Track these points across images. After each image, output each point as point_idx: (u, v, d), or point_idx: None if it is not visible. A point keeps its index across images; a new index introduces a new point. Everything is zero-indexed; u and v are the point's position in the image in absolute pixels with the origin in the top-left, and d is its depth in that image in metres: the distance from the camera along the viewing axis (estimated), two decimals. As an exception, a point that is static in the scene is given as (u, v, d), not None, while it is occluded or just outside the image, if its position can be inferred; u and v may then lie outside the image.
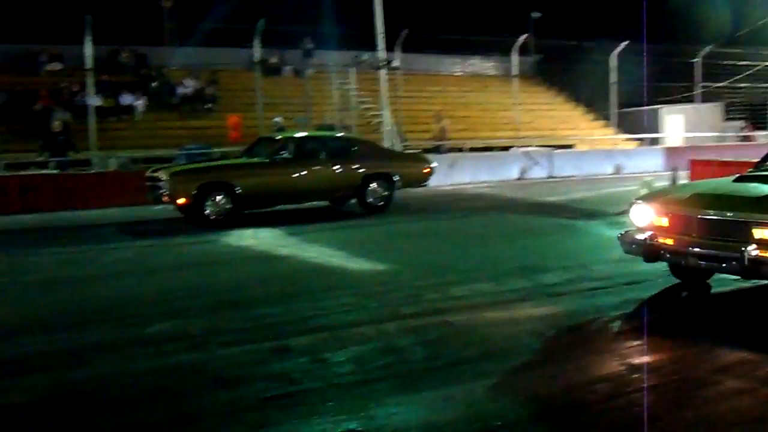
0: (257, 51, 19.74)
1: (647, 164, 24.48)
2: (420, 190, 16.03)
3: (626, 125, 30.41)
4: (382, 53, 21.60)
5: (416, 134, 25.90)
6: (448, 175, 21.06)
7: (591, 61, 29.49)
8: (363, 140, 15.79)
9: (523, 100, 28.55)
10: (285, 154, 13.59)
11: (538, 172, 23.18)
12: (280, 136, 14.16)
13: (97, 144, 20.84)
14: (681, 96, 31.75)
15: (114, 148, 21.54)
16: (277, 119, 20.57)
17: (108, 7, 32.78)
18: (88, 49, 18.10)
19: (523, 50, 29.22)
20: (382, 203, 14.32)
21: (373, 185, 14.19)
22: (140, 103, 24.96)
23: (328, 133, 15.30)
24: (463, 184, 21.24)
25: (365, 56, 22.67)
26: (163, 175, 12.72)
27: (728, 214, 5.78)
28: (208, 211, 12.59)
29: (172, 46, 29.43)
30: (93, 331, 6.15)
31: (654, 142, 29.42)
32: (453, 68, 33.37)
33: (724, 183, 6.61)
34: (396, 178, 14.36)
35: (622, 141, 29.35)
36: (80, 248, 10.98)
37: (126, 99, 24.77)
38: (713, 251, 5.77)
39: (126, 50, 27.46)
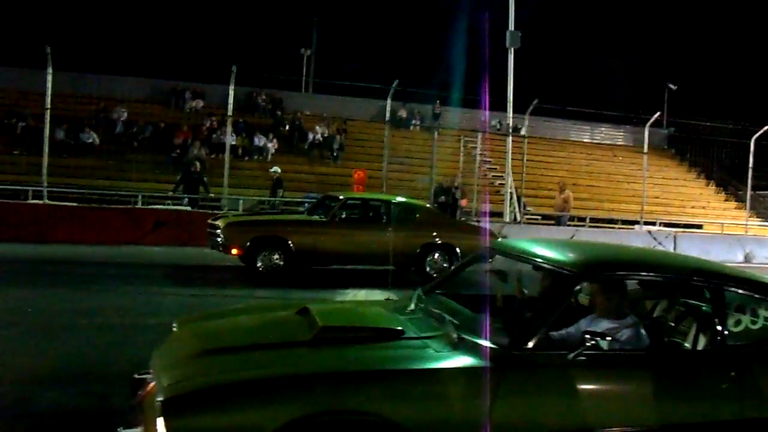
0: (389, 108, 20.00)
1: (781, 255, 23.08)
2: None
3: (761, 209, 28.91)
4: (510, 119, 21.52)
5: (538, 201, 25.54)
6: (565, 248, 20.46)
7: (726, 140, 28.35)
8: (427, 208, 15.14)
9: (653, 174, 27.73)
10: (344, 215, 13.27)
11: (661, 253, 22.21)
12: (342, 196, 13.67)
13: (229, 181, 21.60)
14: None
15: (245, 186, 22.31)
16: (275, 169, 20.46)
17: (250, 50, 34.55)
18: (231, 96, 18.80)
19: (656, 121, 28.48)
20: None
21: (434, 255, 13.53)
22: (272, 145, 25.78)
23: (390, 197, 14.66)
24: (582, 258, 20.59)
25: (494, 121, 22.65)
26: (221, 223, 12.71)
27: None
28: (259, 264, 12.40)
29: (308, 92, 30.42)
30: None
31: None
32: (581, 135, 32.93)
33: None
34: (458, 250, 13.59)
35: (756, 227, 27.88)
36: (204, 291, 11.20)
37: (260, 140, 25.64)
38: None
39: (264, 93, 28.51)
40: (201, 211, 17.43)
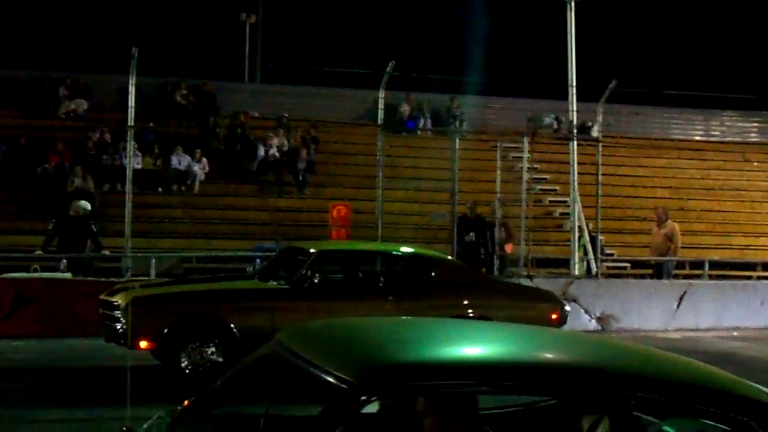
0: (381, 103, 19.66)
1: None
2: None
3: None
4: (573, 113, 21.28)
5: (623, 239, 25.16)
6: (673, 314, 20.15)
7: None
8: (449, 261, 15.32)
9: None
10: (317, 278, 13.26)
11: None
12: (313, 249, 13.70)
13: (134, 228, 21.15)
14: None
15: (158, 235, 21.94)
16: (83, 203, 19.56)
17: (162, 19, 34.52)
18: (131, 92, 18.41)
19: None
20: None
21: None
22: (201, 168, 25.52)
23: (390, 246, 14.92)
24: (698, 330, 20.19)
25: (547, 119, 22.39)
26: (120, 299, 12.66)
27: None
28: (185, 363, 12.38)
29: (253, 82, 30.21)
30: None
31: None
32: (690, 130, 32.92)
33: None
34: None
35: None
36: (92, 413, 10.86)
37: (181, 161, 25.35)
38: None
39: (185, 85, 28.31)
40: (89, 279, 17.22)
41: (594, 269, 21.00)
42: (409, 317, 7.41)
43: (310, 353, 4.61)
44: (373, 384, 4.26)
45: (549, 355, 5.07)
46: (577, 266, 21.02)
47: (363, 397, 4.22)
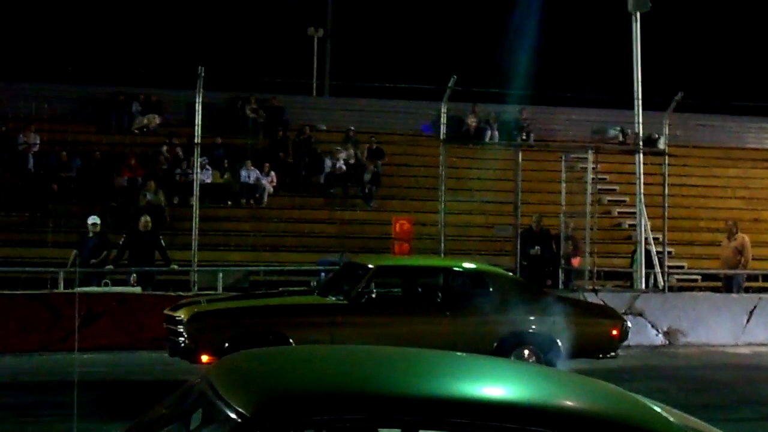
0: (444, 116, 19.60)
1: None
2: (681, 355, 14.92)
3: None
4: (639, 125, 21.13)
5: (692, 251, 24.85)
6: (742, 329, 19.80)
7: None
8: (507, 277, 15.10)
9: None
10: (374, 294, 13.44)
11: None
12: (371, 265, 13.67)
13: (201, 242, 21.32)
14: None
15: (226, 249, 22.11)
16: (92, 219, 19.41)
17: (231, 34, 34.79)
18: (198, 106, 18.52)
19: None
20: None
21: (522, 352, 13.38)
22: (269, 181, 25.64)
23: (449, 262, 14.88)
24: (770, 345, 19.85)
25: (612, 131, 22.23)
26: (182, 314, 12.79)
27: None
28: None
29: (321, 96, 30.28)
30: None
31: None
32: (763, 139, 32.51)
33: None
34: (560, 342, 13.35)
35: None
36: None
37: (250, 174, 25.50)
38: None
39: (254, 99, 28.47)
40: (158, 293, 17.31)
41: (661, 282, 20.71)
42: (359, 346, 7.12)
43: (221, 385, 4.52)
44: (267, 417, 4.16)
45: (465, 390, 4.81)
46: (641, 279, 20.72)
47: (258, 431, 4.13)
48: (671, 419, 4.77)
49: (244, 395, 4.34)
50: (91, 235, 18.55)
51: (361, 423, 4.32)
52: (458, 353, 6.07)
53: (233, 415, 4.18)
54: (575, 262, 20.95)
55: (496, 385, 4.85)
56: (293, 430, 4.25)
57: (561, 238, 20.64)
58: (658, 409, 4.86)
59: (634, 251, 21.49)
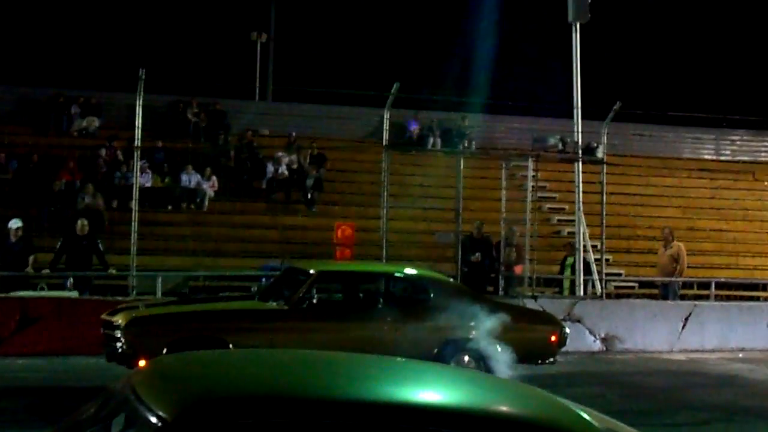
0: (386, 123, 19.64)
1: None
2: (619, 361, 15.04)
3: None
4: (578, 134, 21.30)
5: (629, 259, 25.06)
6: (678, 335, 20.00)
7: None
8: (449, 283, 15.12)
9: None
10: (314, 299, 13.31)
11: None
12: (312, 270, 13.65)
13: (139, 246, 21.14)
14: None
15: (166, 253, 21.97)
16: (14, 223, 19.03)
17: (172, 37, 34.59)
18: (138, 109, 18.33)
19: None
20: None
21: (462, 358, 13.37)
22: (210, 186, 25.51)
23: (390, 267, 14.90)
24: (703, 351, 20.05)
25: (552, 139, 22.33)
26: (120, 319, 12.65)
27: None
28: None
29: (264, 101, 30.20)
30: None
31: None
32: (700, 150, 32.84)
33: None
34: (499, 348, 13.16)
35: None
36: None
37: (190, 178, 25.36)
38: None
39: (195, 103, 28.32)
40: (95, 298, 17.14)
41: (599, 289, 20.87)
42: (289, 350, 7.40)
43: (143, 389, 4.43)
44: (188, 422, 4.10)
45: (388, 394, 4.77)
46: (580, 286, 20.76)
47: None
48: (594, 423, 4.75)
49: (165, 399, 4.26)
50: (13, 240, 17.99)
51: (284, 427, 4.24)
52: (390, 358, 6.05)
53: (154, 420, 4.09)
54: (518, 269, 21.00)
55: (419, 389, 4.81)
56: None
57: (501, 244, 20.72)
58: (584, 414, 4.85)
59: (565, 258, 21.66)
